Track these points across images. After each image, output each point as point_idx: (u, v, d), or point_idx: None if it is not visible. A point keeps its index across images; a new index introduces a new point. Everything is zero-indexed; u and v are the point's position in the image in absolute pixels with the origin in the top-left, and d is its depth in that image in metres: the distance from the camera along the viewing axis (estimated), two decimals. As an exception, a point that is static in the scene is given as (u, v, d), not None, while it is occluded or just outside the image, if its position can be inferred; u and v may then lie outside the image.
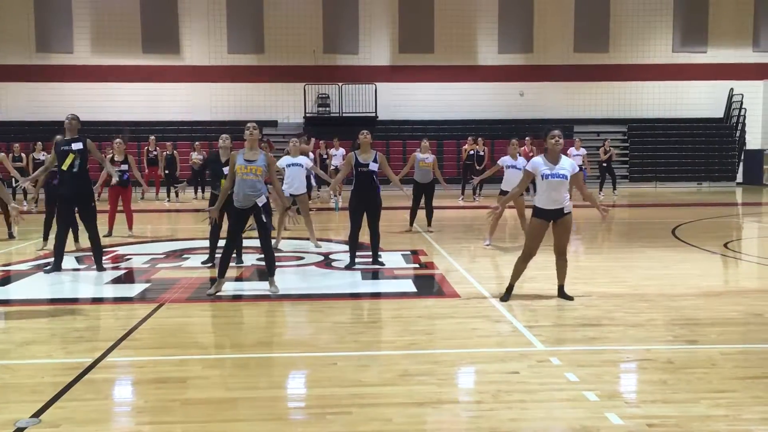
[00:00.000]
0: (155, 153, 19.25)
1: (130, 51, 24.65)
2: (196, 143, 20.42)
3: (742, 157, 25.64)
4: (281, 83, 24.90)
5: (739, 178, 25.59)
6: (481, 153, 19.42)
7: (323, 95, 24.96)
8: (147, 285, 7.69)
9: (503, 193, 10.25)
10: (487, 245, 10.29)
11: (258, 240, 7.23)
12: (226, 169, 7.93)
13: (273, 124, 24.88)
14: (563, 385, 4.40)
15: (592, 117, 25.60)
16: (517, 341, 5.38)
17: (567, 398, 4.16)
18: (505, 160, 10.56)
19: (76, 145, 8.13)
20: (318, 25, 25.13)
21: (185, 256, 9.63)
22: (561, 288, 6.81)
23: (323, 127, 23.87)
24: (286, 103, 25.02)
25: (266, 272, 7.26)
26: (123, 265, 8.98)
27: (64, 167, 8.04)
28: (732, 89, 25.69)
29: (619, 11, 25.61)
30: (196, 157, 19.95)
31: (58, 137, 8.34)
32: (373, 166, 8.45)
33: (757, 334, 5.63)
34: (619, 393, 4.32)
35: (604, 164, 19.79)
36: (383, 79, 24.76)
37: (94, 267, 8.41)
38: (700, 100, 25.93)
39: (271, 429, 3.80)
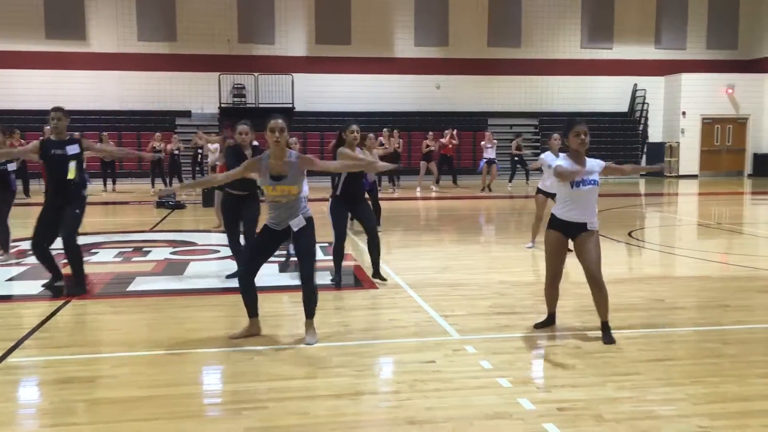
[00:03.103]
0: None
1: (32, 36, 23.41)
2: (104, 134, 19.67)
3: (645, 150, 26.87)
4: (195, 72, 24.26)
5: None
6: (397, 145, 19.41)
7: (239, 85, 24.50)
8: (52, 281, 7.35)
9: (540, 192, 9.36)
10: (530, 247, 9.42)
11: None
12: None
13: (186, 114, 24.26)
14: (478, 372, 4.49)
15: (506, 110, 26.21)
16: (434, 331, 5.46)
17: (481, 385, 4.26)
18: (547, 157, 9.01)
19: (72, 149, 6.68)
20: (232, 14, 24.61)
21: (93, 251, 9.27)
22: (604, 325, 5.19)
23: (239, 118, 23.33)
24: (200, 93, 24.41)
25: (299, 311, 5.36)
26: (26, 260, 8.55)
27: (71, 176, 6.58)
28: (636, 84, 26.86)
29: (530, 7, 26.28)
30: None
31: (44, 138, 6.88)
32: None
33: (659, 319, 5.92)
34: (530, 379, 4.45)
35: (516, 158, 20.34)
36: (300, 69, 24.53)
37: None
38: (606, 94, 26.97)
39: (185, 427, 3.70)
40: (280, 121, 4.97)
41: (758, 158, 26.35)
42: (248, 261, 5.26)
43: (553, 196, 8.87)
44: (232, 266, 7.80)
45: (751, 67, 26.74)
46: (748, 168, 26.47)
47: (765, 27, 26.65)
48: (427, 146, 19.78)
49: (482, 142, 19.78)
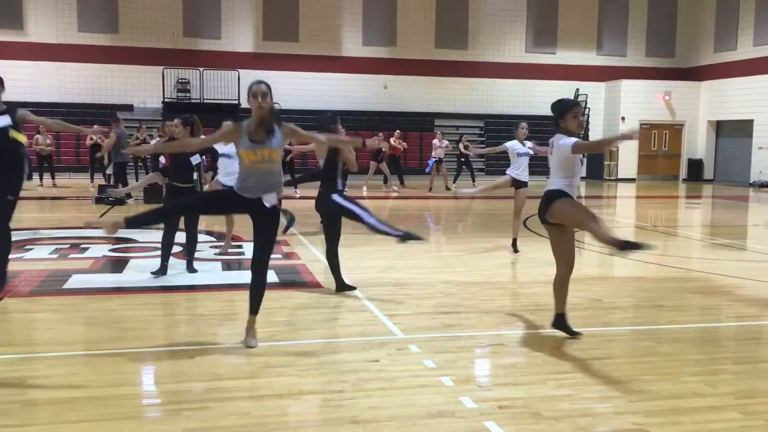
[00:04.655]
0: None
1: (-35, 23, 22.51)
2: (42, 126, 19.04)
3: (586, 154, 27.55)
4: (137, 66, 23.70)
5: (583, 172, 27.46)
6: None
7: (183, 80, 24.04)
8: (-17, 279, 7.07)
9: (516, 183, 9.28)
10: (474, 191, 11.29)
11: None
12: (193, 159, 7.19)
13: (128, 108, 23.67)
14: (421, 371, 4.52)
15: (452, 111, 26.46)
16: (378, 330, 5.46)
17: (425, 384, 4.28)
18: (514, 145, 9.21)
19: (3, 120, 6.07)
20: (177, 7, 24.14)
21: (28, 247, 8.96)
22: (558, 317, 5.31)
23: (183, 113, 22.98)
24: (142, 87, 23.86)
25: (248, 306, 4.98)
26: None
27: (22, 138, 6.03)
28: (578, 89, 27.47)
29: (477, 10, 26.60)
30: (42, 141, 18.64)
31: None
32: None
33: (597, 318, 6.07)
34: (472, 377, 4.50)
35: (462, 158, 20.56)
36: (246, 66, 24.21)
37: None
38: (548, 98, 27.10)
39: (123, 428, 3.61)
40: (263, 85, 4.79)
41: (692, 163, 27.32)
42: (183, 202, 4.95)
43: (523, 185, 9.08)
44: (173, 263, 7.64)
45: (687, 75, 27.70)
46: (683, 173, 27.42)
47: (701, 37, 27.62)
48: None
49: (434, 141, 19.93)
